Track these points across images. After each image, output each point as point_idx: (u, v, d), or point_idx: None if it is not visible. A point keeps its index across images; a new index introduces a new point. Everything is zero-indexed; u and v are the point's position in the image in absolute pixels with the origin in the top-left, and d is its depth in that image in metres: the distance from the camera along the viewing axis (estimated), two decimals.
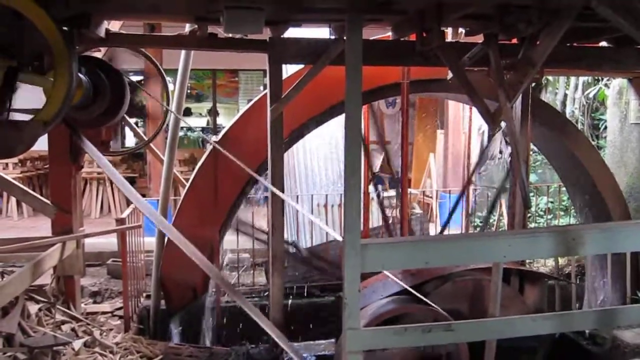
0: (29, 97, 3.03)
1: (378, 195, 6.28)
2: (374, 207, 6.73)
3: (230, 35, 4.12)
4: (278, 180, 4.31)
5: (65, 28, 2.97)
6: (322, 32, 4.36)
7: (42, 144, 4.41)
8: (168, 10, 3.81)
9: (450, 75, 4.26)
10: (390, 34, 4.32)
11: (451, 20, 3.56)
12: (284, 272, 4.69)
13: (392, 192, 8.11)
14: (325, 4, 3.50)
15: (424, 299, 4.05)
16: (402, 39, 4.30)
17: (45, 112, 2.64)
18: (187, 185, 5.55)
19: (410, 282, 4.27)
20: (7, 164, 10.08)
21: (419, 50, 3.86)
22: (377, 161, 10.23)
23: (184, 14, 3.98)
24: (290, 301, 5.61)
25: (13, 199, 9.89)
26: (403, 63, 4.93)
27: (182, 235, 4.29)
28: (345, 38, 2.88)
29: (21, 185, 5.22)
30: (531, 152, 6.72)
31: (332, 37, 4.15)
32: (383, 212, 6.17)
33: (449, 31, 4.61)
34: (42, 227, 7.66)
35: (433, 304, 4.03)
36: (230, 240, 6.32)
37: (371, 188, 6.44)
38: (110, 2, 3.37)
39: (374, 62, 4.19)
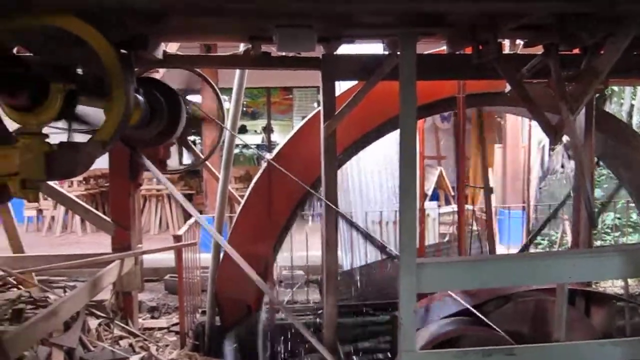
0: None
1: None
2: (430, 223, 6.59)
3: (284, 53, 4.15)
4: (331, 198, 4.27)
5: (123, 50, 3.05)
6: (376, 48, 4.32)
7: (104, 163, 4.56)
8: (222, 30, 3.86)
9: (508, 88, 4.13)
10: (445, 47, 4.24)
11: (506, 31, 3.45)
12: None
13: (449, 209, 7.92)
14: (374, 19, 3.47)
15: (485, 319, 3.90)
16: (457, 52, 4.21)
17: (103, 133, 2.70)
18: (242, 202, 5.60)
19: (469, 302, 4.12)
20: (72, 181, 10.56)
21: (475, 63, 3.76)
22: (433, 177, 10.07)
23: (237, 33, 4.03)
24: None
25: (77, 215, 10.30)
26: (458, 77, 4.83)
27: (237, 251, 4.31)
28: (398, 53, 2.82)
29: (83, 203, 5.40)
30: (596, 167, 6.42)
31: (386, 52, 4.10)
32: None
33: (506, 43, 4.49)
34: (104, 242, 7.87)
35: (494, 326, 3.87)
36: (284, 257, 6.32)
37: (427, 204, 6.30)
38: (167, 24, 3.44)
39: (428, 76, 4.10)
